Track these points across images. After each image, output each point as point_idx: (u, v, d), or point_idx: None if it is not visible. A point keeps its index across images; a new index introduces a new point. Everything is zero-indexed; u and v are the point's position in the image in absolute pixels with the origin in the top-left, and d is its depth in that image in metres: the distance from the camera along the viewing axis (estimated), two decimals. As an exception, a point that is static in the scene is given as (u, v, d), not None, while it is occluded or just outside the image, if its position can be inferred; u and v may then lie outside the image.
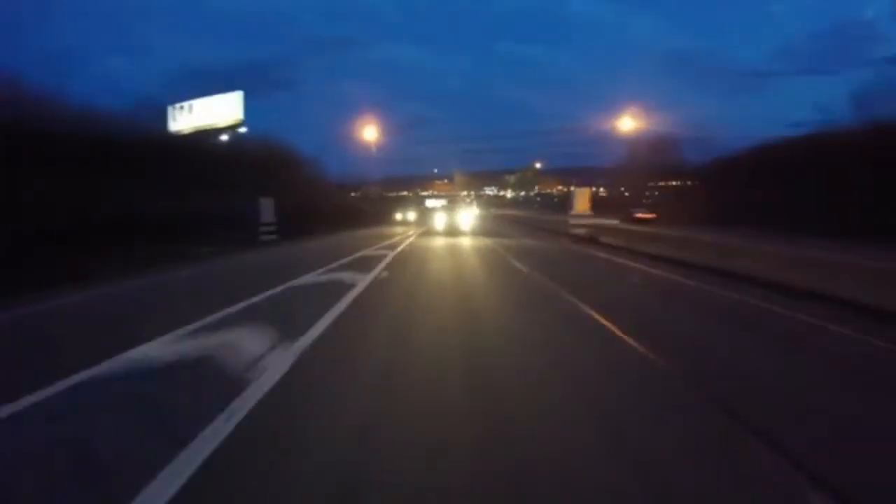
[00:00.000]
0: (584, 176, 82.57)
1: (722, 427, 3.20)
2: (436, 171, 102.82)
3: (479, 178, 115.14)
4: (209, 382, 3.91)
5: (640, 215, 33.36)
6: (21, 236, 9.97)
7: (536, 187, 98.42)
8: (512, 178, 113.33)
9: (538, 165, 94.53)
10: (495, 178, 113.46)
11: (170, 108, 27.77)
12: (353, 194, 49.57)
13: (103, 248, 11.40)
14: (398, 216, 40.95)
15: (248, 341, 4.96)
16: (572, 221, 21.94)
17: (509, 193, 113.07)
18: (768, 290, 8.57)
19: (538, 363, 4.46)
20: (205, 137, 26.71)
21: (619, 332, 5.43)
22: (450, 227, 24.22)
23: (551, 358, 4.63)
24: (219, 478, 2.54)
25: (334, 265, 11.30)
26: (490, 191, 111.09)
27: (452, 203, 33.74)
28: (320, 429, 3.09)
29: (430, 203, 37.33)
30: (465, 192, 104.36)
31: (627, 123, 27.32)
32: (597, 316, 6.26)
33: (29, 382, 3.75)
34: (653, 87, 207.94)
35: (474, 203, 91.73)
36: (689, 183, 30.01)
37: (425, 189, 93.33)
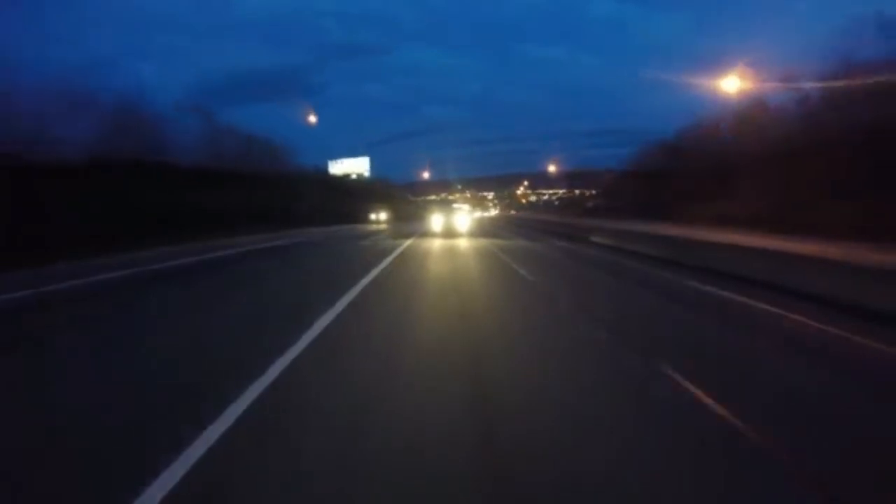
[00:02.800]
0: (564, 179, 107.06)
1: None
2: (459, 183, 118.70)
3: (500, 182, 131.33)
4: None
5: (513, 212, 77.65)
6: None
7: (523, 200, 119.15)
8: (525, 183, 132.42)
9: (526, 183, 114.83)
10: (518, 180, 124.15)
11: (330, 162, 57.36)
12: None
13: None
14: (371, 216, 39.61)
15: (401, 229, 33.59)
16: (501, 213, 59.71)
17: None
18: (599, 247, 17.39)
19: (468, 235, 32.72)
20: (345, 177, 56.14)
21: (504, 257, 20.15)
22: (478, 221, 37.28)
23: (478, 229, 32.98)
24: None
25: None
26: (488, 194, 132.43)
27: (475, 207, 58.23)
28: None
29: (455, 206, 44.59)
30: (488, 197, 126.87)
31: (553, 167, 55.32)
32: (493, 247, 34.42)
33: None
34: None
35: (499, 208, 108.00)
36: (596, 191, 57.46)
37: (451, 193, 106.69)
